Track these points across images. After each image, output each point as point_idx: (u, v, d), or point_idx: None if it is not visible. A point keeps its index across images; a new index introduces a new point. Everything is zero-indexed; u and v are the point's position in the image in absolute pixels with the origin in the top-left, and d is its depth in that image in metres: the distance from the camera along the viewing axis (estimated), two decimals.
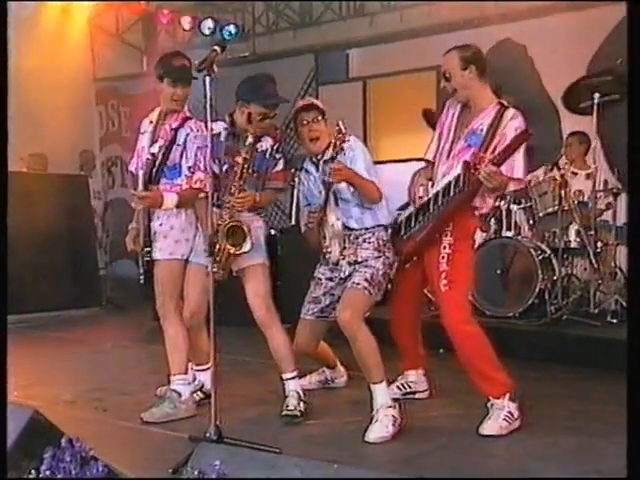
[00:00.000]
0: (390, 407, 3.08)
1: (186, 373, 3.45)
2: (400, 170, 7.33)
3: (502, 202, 5.16)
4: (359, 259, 3.32)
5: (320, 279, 3.48)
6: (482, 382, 3.15)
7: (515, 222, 5.34)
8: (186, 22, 8.36)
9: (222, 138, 3.41)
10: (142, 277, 3.56)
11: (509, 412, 3.09)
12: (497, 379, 3.13)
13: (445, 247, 3.16)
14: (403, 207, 7.49)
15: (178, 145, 3.42)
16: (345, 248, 3.32)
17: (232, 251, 3.21)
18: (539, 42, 6.38)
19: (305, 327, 3.52)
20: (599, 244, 5.09)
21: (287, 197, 5.98)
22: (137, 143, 3.64)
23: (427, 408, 3.53)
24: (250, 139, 3.27)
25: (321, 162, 3.39)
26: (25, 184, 6.35)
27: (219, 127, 3.42)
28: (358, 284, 3.23)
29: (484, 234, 5.30)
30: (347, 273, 3.35)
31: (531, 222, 5.42)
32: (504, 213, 5.29)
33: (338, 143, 3.13)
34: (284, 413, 3.28)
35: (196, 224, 3.47)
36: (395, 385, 3.62)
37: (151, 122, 3.59)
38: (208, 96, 2.84)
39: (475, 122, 3.20)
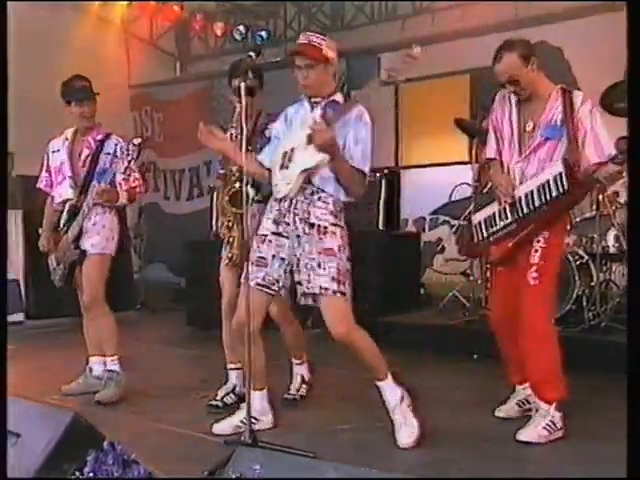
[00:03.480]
0: (403, 402, 3.01)
1: (117, 353, 3.83)
2: (432, 174, 7.37)
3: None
4: (312, 219, 2.95)
5: (265, 235, 3.03)
6: (540, 383, 3.07)
7: None
8: (218, 28, 8.47)
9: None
10: (59, 278, 3.88)
11: (551, 421, 3.03)
12: (556, 385, 3.06)
13: (539, 241, 3.06)
14: (436, 211, 7.41)
15: (107, 154, 3.77)
16: (298, 202, 2.97)
17: (235, 210, 3.34)
18: (576, 45, 6.30)
19: (247, 295, 2.86)
20: None
21: None
22: (46, 161, 4.00)
23: (460, 413, 3.51)
24: (237, 109, 3.33)
25: (321, 104, 3.04)
26: None
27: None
28: (327, 289, 2.90)
29: None
30: (299, 234, 2.96)
31: (568, 227, 5.34)
32: None
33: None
34: (285, 396, 3.60)
35: (119, 224, 3.89)
36: (514, 403, 3.39)
37: (67, 139, 3.93)
38: (243, 102, 2.88)
39: (546, 113, 3.11)
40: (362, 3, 7.82)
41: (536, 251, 3.06)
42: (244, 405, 2.92)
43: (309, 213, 2.96)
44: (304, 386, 3.74)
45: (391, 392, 3.02)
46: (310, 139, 2.86)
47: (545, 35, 6.61)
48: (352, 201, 3.06)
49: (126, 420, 3.43)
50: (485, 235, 3.26)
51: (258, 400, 3.17)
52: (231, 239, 3.53)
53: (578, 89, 3.27)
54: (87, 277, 3.80)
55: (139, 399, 3.80)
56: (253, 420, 2.87)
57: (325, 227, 2.95)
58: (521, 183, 3.16)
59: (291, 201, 2.98)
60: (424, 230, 7.26)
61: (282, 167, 2.99)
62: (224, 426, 3.18)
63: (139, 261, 8.68)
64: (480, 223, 3.29)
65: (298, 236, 2.97)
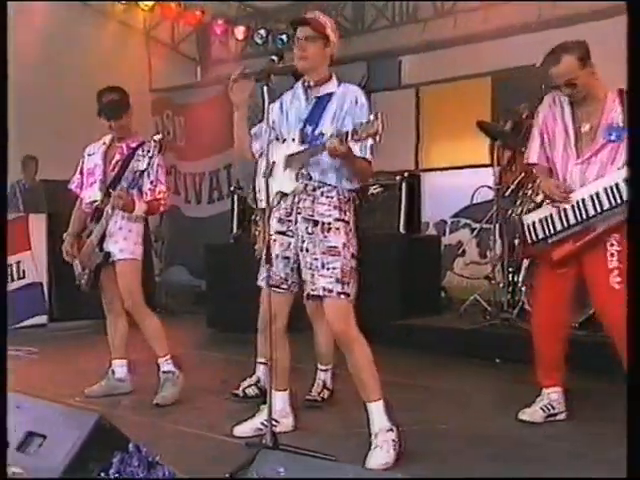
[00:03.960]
0: (389, 431, 2.82)
1: (169, 353, 3.84)
2: (453, 177, 7.33)
3: None
4: (315, 216, 2.89)
5: (270, 235, 2.95)
6: None
7: None
8: (239, 32, 8.52)
9: None
10: (85, 282, 3.89)
11: None
12: None
13: (613, 244, 3.06)
14: (457, 214, 7.34)
15: (137, 160, 3.72)
16: (301, 200, 2.92)
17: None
18: (600, 46, 6.23)
19: (263, 296, 3.00)
20: None
21: None
22: (81, 164, 4.01)
23: (482, 416, 3.50)
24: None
25: (313, 89, 3.00)
26: None
27: None
28: (331, 291, 2.84)
29: None
30: (302, 234, 2.90)
31: None
32: None
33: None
34: (306, 397, 3.61)
35: (144, 231, 3.91)
36: (538, 407, 3.31)
37: (104, 143, 3.94)
38: (266, 105, 2.89)
39: (605, 115, 3.09)
40: (383, 6, 7.82)
41: (612, 255, 3.05)
42: (265, 407, 2.92)
43: (313, 210, 2.90)
44: (325, 391, 3.75)
45: (379, 418, 2.85)
46: (288, 163, 2.90)
47: (569, 36, 6.53)
48: (357, 189, 2.99)
49: (147, 422, 3.45)
50: (541, 237, 3.21)
51: (279, 401, 3.16)
52: (257, 233, 3.61)
53: None
54: (123, 284, 3.80)
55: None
56: (273, 422, 2.85)
57: (329, 223, 2.88)
58: (582, 185, 3.12)
59: (294, 199, 2.93)
60: (445, 233, 7.24)
61: (264, 176, 2.91)
62: (245, 428, 3.18)
63: (159, 264, 8.75)
64: (534, 224, 3.23)
65: (302, 235, 2.92)
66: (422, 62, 7.57)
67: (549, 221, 3.18)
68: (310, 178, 2.91)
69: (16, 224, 6.21)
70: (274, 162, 2.92)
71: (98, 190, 3.85)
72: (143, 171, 3.70)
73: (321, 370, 3.77)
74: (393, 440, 2.81)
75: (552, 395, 3.32)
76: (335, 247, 2.86)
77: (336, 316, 2.90)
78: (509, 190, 5.31)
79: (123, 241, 3.80)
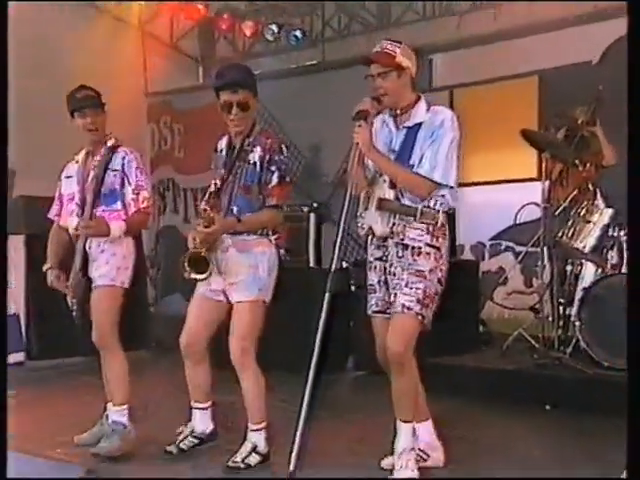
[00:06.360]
0: (412, 450, 3.26)
1: (127, 403, 3.78)
2: (493, 193, 7.29)
3: (622, 232, 4.98)
4: (406, 240, 3.23)
5: (371, 262, 3.39)
6: None
7: None
8: (248, 28, 8.58)
9: (223, 152, 3.81)
10: (76, 315, 3.86)
11: None
12: None
13: None
14: (497, 236, 7.29)
15: (114, 170, 3.76)
16: (394, 224, 3.25)
17: (196, 277, 3.49)
18: None
19: (375, 326, 3.40)
20: None
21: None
22: (58, 190, 4.02)
23: (529, 470, 3.45)
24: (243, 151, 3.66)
25: (402, 117, 3.32)
26: None
27: (222, 143, 3.85)
28: (410, 309, 3.18)
29: (599, 270, 5.14)
30: (392, 258, 3.26)
31: None
32: (624, 246, 5.10)
33: None
34: (228, 464, 3.44)
35: (136, 251, 3.86)
36: None
37: (77, 162, 3.95)
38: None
39: None
40: None
41: None
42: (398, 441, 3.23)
43: (404, 235, 3.23)
44: (254, 455, 3.49)
45: (406, 437, 3.26)
46: (379, 205, 3.21)
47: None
48: (450, 210, 3.34)
49: (138, 473, 3.44)
50: None
51: (425, 432, 3.42)
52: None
53: None
54: (94, 312, 3.77)
55: (156, 450, 3.75)
56: (424, 455, 3.38)
57: (419, 248, 3.21)
58: None
59: (389, 225, 3.23)
60: (483, 258, 7.20)
61: (365, 209, 3.29)
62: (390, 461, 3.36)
63: (154, 293, 8.76)
64: None
65: (392, 259, 3.26)
66: (457, 61, 7.59)
67: None
68: (401, 204, 3.22)
69: None
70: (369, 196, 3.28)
71: (76, 216, 3.83)
72: (122, 178, 3.75)
73: (252, 431, 3.54)
74: (415, 459, 3.25)
75: None
76: (422, 271, 3.21)
77: (399, 336, 3.18)
78: (560, 208, 5.27)
79: (105, 265, 3.77)
